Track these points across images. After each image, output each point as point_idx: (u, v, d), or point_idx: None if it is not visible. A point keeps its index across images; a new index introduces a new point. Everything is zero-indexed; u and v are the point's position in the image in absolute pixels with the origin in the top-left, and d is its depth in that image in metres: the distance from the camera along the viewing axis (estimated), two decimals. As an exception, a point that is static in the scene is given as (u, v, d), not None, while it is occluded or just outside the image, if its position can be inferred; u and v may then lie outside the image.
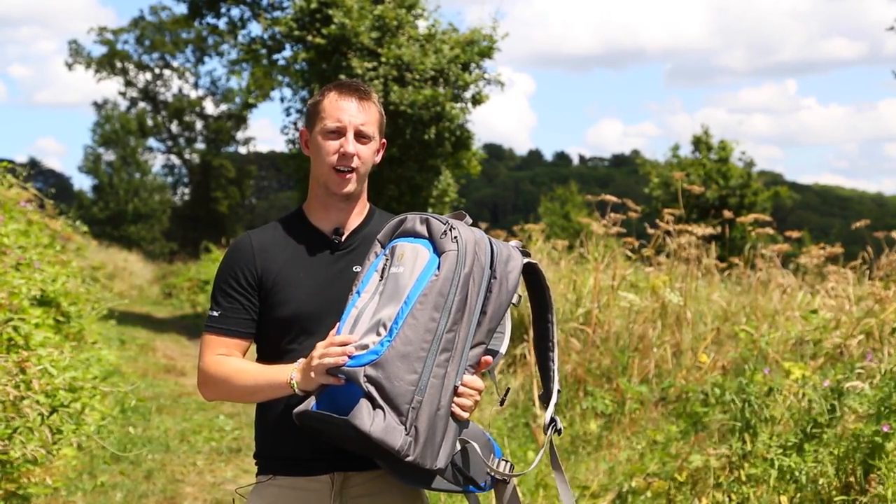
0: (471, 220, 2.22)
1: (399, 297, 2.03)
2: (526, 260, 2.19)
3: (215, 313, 2.33)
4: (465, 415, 2.08)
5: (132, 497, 5.68)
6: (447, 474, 2.07)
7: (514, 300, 2.15)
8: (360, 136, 2.31)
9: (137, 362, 11.16)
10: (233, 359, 2.30)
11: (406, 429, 1.95)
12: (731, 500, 4.77)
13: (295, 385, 2.13)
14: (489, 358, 2.15)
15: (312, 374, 2.07)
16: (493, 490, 2.18)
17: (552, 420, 2.19)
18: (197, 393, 10.03)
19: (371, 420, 1.94)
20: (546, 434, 2.18)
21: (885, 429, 4.22)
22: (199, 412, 8.41)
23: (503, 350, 2.21)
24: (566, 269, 9.08)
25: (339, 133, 2.30)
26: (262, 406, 2.34)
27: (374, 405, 1.95)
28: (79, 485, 5.72)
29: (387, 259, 2.13)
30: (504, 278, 2.11)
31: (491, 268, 2.10)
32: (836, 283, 7.48)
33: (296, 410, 2.07)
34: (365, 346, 2.01)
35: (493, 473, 2.13)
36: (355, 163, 2.30)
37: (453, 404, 2.05)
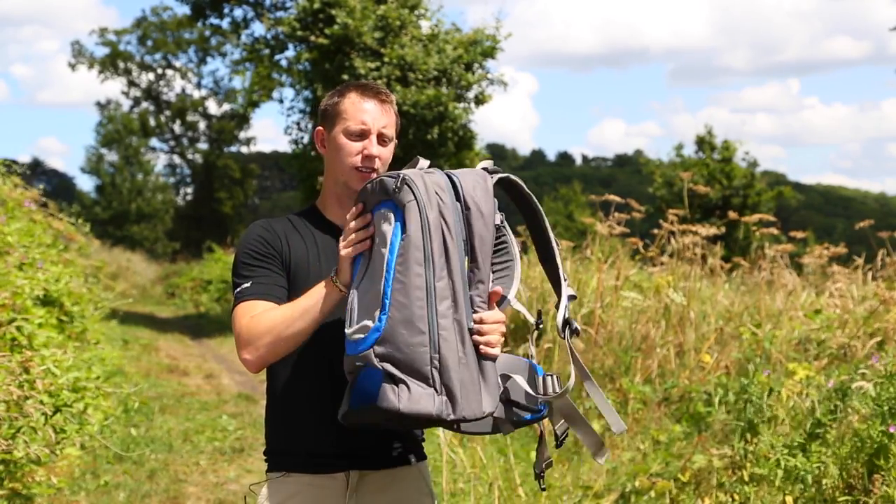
0: (426, 163, 2.14)
1: (380, 271, 1.98)
2: (496, 177, 2.13)
3: (246, 284, 2.25)
4: (495, 351, 2.03)
5: (135, 497, 5.68)
6: (501, 412, 2.03)
7: (498, 220, 2.10)
8: (382, 139, 2.33)
9: (140, 362, 11.17)
10: (266, 311, 2.21)
11: (437, 390, 1.92)
12: (734, 500, 4.77)
13: (337, 280, 2.11)
14: (499, 288, 2.10)
15: (344, 264, 2.09)
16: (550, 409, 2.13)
17: (566, 322, 2.13)
18: (200, 393, 10.06)
19: (397, 397, 1.90)
20: (563, 338, 2.11)
21: (892, 429, 4.21)
22: (202, 412, 8.42)
23: (512, 293, 2.14)
24: (570, 270, 9.07)
25: (363, 135, 2.31)
26: (274, 402, 2.33)
27: (396, 381, 1.91)
28: (82, 484, 5.73)
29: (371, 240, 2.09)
30: (477, 205, 2.05)
31: (459, 201, 2.04)
32: (840, 283, 7.47)
33: (340, 415, 2.05)
34: (366, 329, 1.97)
35: (543, 395, 2.08)
36: (377, 165, 2.31)
37: (480, 344, 2.00)
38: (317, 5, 15.09)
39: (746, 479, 4.76)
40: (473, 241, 2.04)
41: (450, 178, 2.07)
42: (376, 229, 2.04)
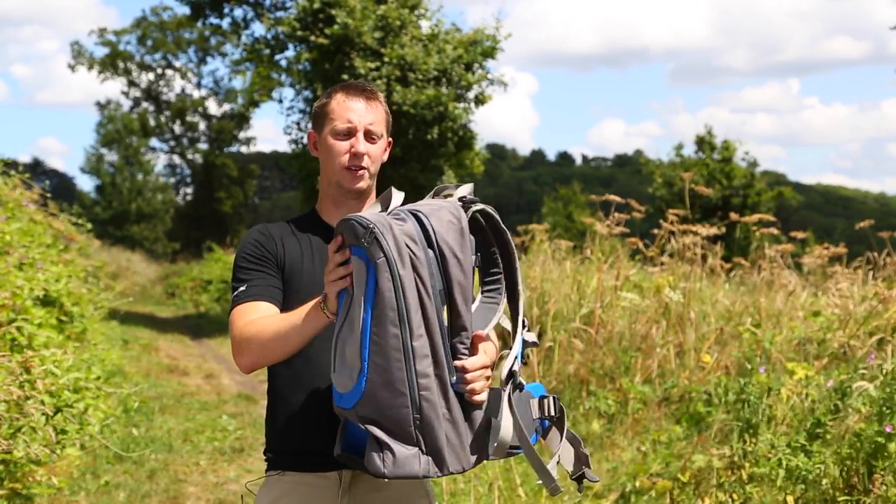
0: (400, 197, 2.07)
1: (355, 327, 1.94)
2: (472, 210, 2.05)
3: (242, 287, 2.28)
4: (481, 397, 2.02)
5: (135, 497, 5.68)
6: (497, 451, 2.01)
7: (474, 261, 2.03)
8: (370, 136, 2.34)
9: (140, 362, 11.17)
10: (262, 316, 2.23)
11: (422, 450, 1.92)
12: (733, 500, 4.77)
13: (325, 307, 2.09)
14: (480, 332, 2.06)
15: (331, 297, 2.04)
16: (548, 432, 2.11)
17: (511, 374, 2.08)
18: (200, 393, 10.06)
19: (382, 462, 1.91)
20: (504, 390, 2.04)
21: (888, 429, 4.21)
22: (202, 412, 8.42)
23: (492, 324, 2.10)
24: (570, 270, 9.07)
25: (350, 133, 2.33)
26: (274, 401, 2.35)
27: (381, 446, 1.92)
28: (82, 484, 5.72)
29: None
30: (452, 251, 1.98)
31: (432, 247, 1.97)
32: (840, 282, 7.48)
33: (335, 454, 2.08)
34: (346, 385, 1.95)
35: (540, 419, 2.09)
36: (366, 162, 2.33)
37: (464, 391, 1.99)
38: (317, 5, 15.09)
39: (746, 479, 4.76)
40: (452, 288, 1.98)
41: (420, 221, 1.98)
42: (354, 270, 1.97)
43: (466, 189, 2.11)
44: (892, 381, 4.46)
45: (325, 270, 2.06)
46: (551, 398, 2.11)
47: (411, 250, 1.94)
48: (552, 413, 2.11)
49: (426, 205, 2.03)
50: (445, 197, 2.11)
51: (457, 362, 2.00)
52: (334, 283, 2.02)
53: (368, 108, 2.35)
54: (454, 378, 1.99)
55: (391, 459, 1.91)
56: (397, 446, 1.91)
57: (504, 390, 2.03)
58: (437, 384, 1.96)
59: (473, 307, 2.08)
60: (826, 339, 6.22)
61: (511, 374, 2.07)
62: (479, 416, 2.01)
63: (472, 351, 2.04)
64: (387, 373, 1.91)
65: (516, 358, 2.09)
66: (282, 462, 2.32)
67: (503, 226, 2.12)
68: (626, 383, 6.68)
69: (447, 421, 1.96)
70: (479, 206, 2.08)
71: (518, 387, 2.07)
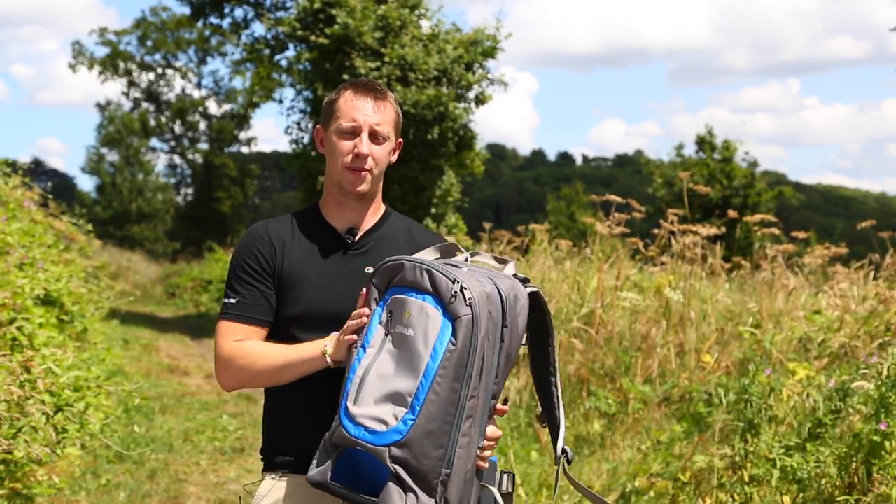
0: (466, 255, 2.14)
1: (416, 368, 1.94)
2: (529, 290, 2.12)
3: (232, 300, 2.28)
4: (486, 465, 2.09)
5: (136, 497, 5.69)
6: None
7: (523, 340, 2.10)
8: (375, 137, 2.29)
9: (141, 362, 11.17)
10: (253, 341, 2.25)
11: (437, 502, 1.93)
12: (734, 500, 4.77)
13: (328, 353, 2.13)
14: (505, 407, 2.13)
15: (342, 348, 2.09)
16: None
17: (563, 451, 2.18)
18: (200, 392, 10.05)
19: (403, 503, 1.91)
20: (557, 464, 2.17)
21: (883, 426, 4.21)
22: (203, 412, 8.42)
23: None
24: (570, 270, 9.07)
25: (354, 133, 2.28)
26: (273, 402, 2.32)
27: (405, 487, 1.91)
28: (83, 484, 5.73)
29: (389, 312, 2.03)
30: (514, 323, 2.04)
31: (503, 319, 2.02)
32: (841, 283, 7.48)
33: (311, 478, 2.03)
34: (384, 423, 1.93)
35: (502, 492, 2.16)
36: (369, 164, 2.28)
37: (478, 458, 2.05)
38: (317, 5, 15.09)
39: (746, 479, 4.76)
40: (501, 358, 2.03)
41: (497, 290, 2.02)
42: (411, 315, 1.98)
43: (514, 267, 2.18)
44: (888, 380, 4.46)
45: (349, 321, 2.10)
46: (510, 475, 2.20)
47: (490, 314, 1.98)
48: (509, 490, 2.18)
49: (497, 276, 2.08)
50: (452, 254, 2.16)
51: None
52: (355, 335, 2.07)
53: (376, 108, 2.29)
54: (482, 442, 2.04)
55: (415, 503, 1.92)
56: (421, 494, 1.92)
57: (558, 465, 2.17)
58: (469, 447, 1.98)
59: None
60: (827, 339, 6.22)
61: (564, 451, 2.18)
62: (476, 484, 2.07)
63: (490, 419, 2.10)
64: (435, 423, 1.92)
65: (563, 436, 2.19)
66: (282, 464, 2.29)
67: (547, 307, 2.19)
68: (626, 383, 6.68)
69: (465, 481, 1.99)
70: (534, 288, 2.14)
71: (569, 461, 2.18)
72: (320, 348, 2.15)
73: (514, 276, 2.14)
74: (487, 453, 2.07)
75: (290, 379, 2.19)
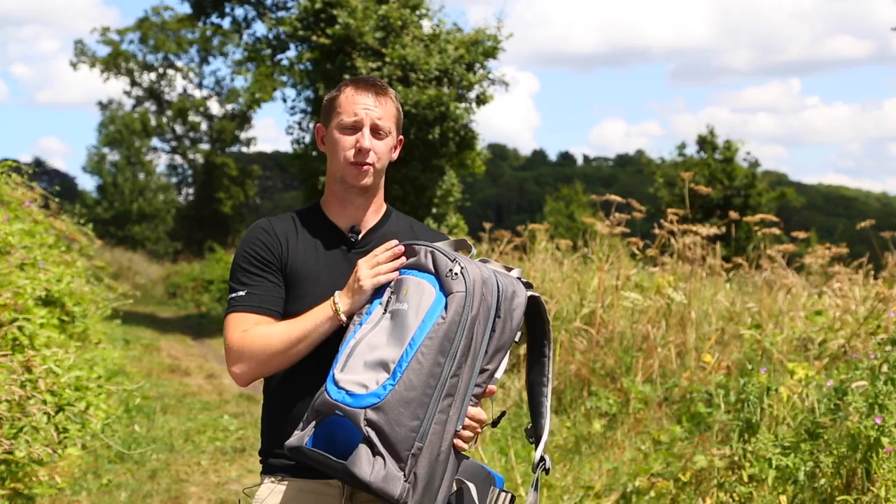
0: (475, 250, 2.18)
1: (403, 337, 1.97)
2: (530, 293, 2.14)
3: (241, 292, 2.25)
4: (466, 446, 2.06)
5: (137, 496, 5.69)
6: None
7: (516, 338, 2.11)
8: (376, 131, 2.29)
9: (142, 362, 11.19)
10: (260, 326, 2.22)
11: (405, 475, 1.92)
12: (734, 500, 4.77)
13: (340, 309, 2.13)
14: (493, 387, 2.11)
15: (357, 296, 2.11)
16: None
17: (542, 458, 2.16)
18: (201, 392, 10.05)
19: (371, 468, 1.90)
20: (535, 472, 2.15)
21: (878, 420, 4.21)
22: (204, 412, 8.43)
23: (497, 377, 2.18)
24: (570, 270, 9.07)
25: (356, 128, 2.28)
26: (272, 404, 2.30)
27: (374, 451, 1.91)
28: (83, 484, 5.73)
29: (391, 292, 2.08)
30: (508, 316, 2.06)
31: (497, 307, 2.05)
32: (841, 283, 7.48)
33: (288, 444, 2.03)
34: (365, 386, 1.95)
35: None
36: (371, 158, 2.28)
37: (456, 439, 2.03)
38: (318, 5, 15.10)
39: (746, 479, 4.77)
40: (490, 346, 2.05)
41: (496, 278, 2.07)
42: (408, 291, 2.03)
43: (520, 272, 2.20)
44: (882, 375, 4.46)
45: (365, 264, 2.13)
46: (509, 496, 2.15)
47: (485, 298, 2.02)
48: None
49: (500, 272, 2.12)
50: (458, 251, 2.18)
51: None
52: (376, 279, 2.11)
53: (377, 103, 2.29)
54: (460, 427, 2.03)
55: (381, 469, 1.90)
56: (390, 461, 1.91)
57: (535, 473, 2.14)
58: (445, 426, 1.98)
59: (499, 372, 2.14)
60: (827, 339, 6.22)
61: (542, 459, 2.16)
62: (451, 465, 2.03)
63: (478, 401, 2.09)
64: (414, 392, 1.93)
65: (544, 443, 2.17)
66: (281, 468, 2.26)
67: (547, 315, 2.22)
68: (627, 383, 6.69)
69: (436, 461, 1.98)
70: (534, 294, 2.16)
71: (546, 470, 2.16)
72: (330, 307, 2.15)
73: (518, 278, 2.15)
74: (467, 433, 2.04)
75: (307, 350, 2.17)
